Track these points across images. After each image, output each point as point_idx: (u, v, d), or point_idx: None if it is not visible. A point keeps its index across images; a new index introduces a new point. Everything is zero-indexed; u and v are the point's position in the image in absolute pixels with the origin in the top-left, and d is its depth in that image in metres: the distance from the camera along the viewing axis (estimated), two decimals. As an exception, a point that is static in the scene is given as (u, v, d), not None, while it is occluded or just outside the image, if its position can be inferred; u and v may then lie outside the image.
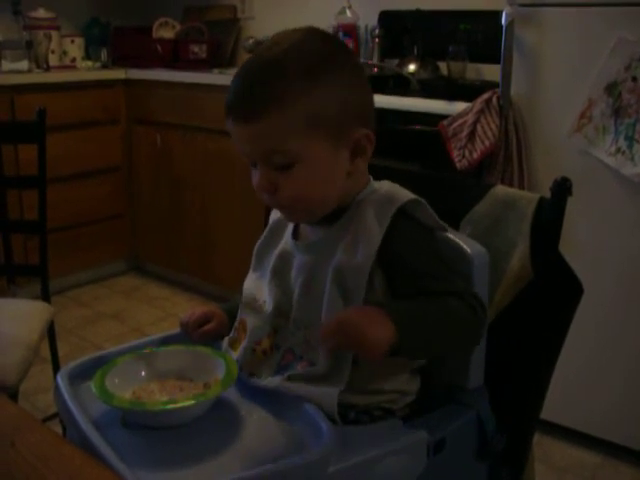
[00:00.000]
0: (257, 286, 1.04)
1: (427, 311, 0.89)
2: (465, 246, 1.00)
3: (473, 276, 0.99)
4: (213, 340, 1.05)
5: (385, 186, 0.97)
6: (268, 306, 1.00)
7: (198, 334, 1.04)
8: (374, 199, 0.94)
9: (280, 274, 0.99)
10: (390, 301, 0.93)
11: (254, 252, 1.08)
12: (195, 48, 3.30)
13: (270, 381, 0.94)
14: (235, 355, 1.00)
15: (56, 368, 1.88)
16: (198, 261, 3.16)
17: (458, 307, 0.90)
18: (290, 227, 1.03)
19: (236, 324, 1.04)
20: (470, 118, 2.03)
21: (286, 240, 1.02)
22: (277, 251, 1.01)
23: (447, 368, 1.05)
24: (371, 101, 0.98)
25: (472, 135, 2.02)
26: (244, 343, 1.00)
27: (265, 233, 1.08)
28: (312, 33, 0.95)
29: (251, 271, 1.08)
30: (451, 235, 1.03)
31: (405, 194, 0.95)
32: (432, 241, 0.96)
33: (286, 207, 0.95)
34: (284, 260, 0.99)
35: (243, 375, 0.97)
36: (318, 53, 0.91)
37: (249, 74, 0.91)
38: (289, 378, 0.93)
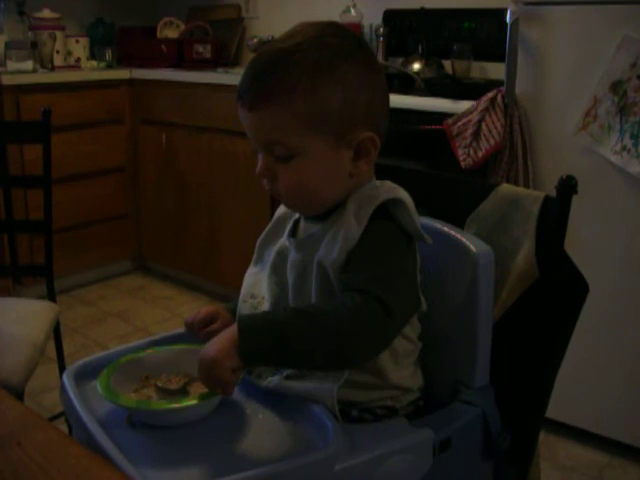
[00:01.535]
0: (256, 281, 1.04)
1: (297, 313, 0.84)
2: (470, 245, 1.00)
3: (478, 275, 0.99)
4: None
5: (380, 185, 0.95)
6: (267, 302, 1.00)
7: (203, 334, 1.04)
8: (359, 196, 0.92)
9: (278, 271, 1.00)
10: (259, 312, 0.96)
11: (256, 246, 1.08)
12: (200, 48, 3.30)
13: (270, 381, 0.94)
14: None
15: (62, 367, 1.88)
16: (203, 260, 3.17)
17: (350, 305, 0.82)
18: (290, 223, 1.03)
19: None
20: (475, 117, 2.02)
21: (285, 236, 1.02)
22: (276, 247, 1.02)
23: (452, 366, 1.04)
24: (383, 104, 0.95)
25: (477, 134, 2.02)
26: None
27: (268, 227, 1.08)
28: (329, 28, 0.92)
29: (252, 264, 1.08)
30: (456, 234, 1.03)
31: (389, 193, 0.91)
32: (396, 246, 0.90)
33: (283, 196, 0.95)
34: (282, 256, 0.99)
35: (246, 375, 0.96)
36: (330, 49, 0.89)
37: (260, 63, 0.90)
38: (287, 377, 0.92)
